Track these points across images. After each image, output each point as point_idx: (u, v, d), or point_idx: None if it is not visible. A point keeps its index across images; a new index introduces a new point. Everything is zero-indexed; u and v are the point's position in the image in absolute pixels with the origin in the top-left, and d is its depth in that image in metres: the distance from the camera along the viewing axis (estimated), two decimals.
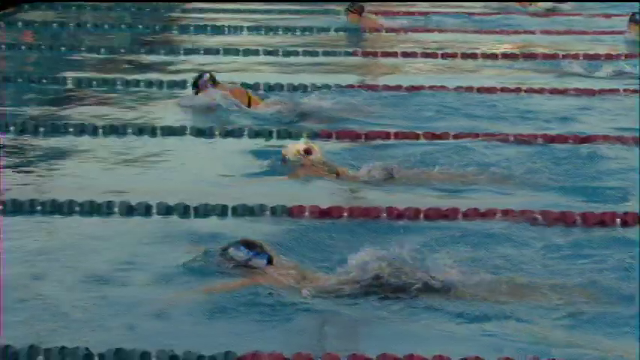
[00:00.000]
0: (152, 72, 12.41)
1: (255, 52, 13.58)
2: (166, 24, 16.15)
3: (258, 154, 8.62)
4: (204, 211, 6.97)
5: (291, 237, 6.54)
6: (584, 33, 15.86)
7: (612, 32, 15.74)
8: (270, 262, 5.70)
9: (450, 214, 7.00)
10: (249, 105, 10.33)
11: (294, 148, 8.14)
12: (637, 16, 15.14)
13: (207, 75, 10.46)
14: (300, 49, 13.79)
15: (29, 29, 15.57)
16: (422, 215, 7.03)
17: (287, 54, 13.58)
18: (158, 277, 5.80)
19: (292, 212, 7.02)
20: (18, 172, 8.12)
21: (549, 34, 15.64)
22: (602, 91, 11.15)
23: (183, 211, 6.96)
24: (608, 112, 10.41)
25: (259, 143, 9.06)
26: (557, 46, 14.42)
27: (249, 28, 15.68)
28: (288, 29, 15.63)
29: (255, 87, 11.08)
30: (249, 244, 5.76)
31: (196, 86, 10.40)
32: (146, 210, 6.99)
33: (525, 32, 15.85)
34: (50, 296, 5.57)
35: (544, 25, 16.53)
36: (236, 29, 15.63)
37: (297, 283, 5.63)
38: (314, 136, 9.19)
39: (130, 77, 11.70)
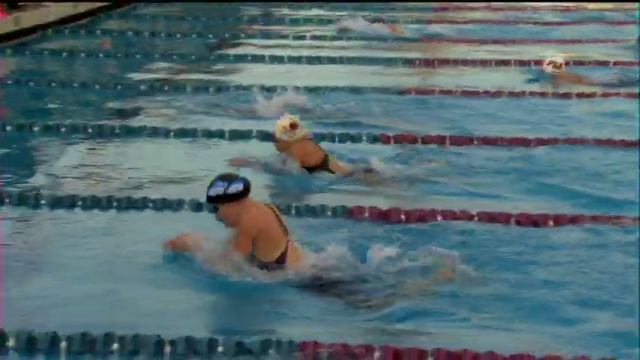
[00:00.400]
0: (220, 77, 12.42)
1: (318, 60, 13.52)
2: (235, 32, 16.17)
3: None
4: None
5: None
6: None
7: None
8: (246, 187, 5.70)
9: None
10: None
11: (280, 124, 7.85)
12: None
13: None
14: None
15: (106, 38, 15.71)
16: None
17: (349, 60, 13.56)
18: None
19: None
20: (95, 170, 8.18)
21: None
22: None
23: None
24: None
25: None
26: None
27: (314, 37, 15.66)
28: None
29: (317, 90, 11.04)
30: (223, 177, 5.82)
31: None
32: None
33: None
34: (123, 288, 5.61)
35: None
36: (300, 38, 15.62)
37: None
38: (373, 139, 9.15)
39: (199, 83, 11.72)
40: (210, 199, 5.75)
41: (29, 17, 14.86)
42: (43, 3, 15.49)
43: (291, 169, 7.88)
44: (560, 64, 12.28)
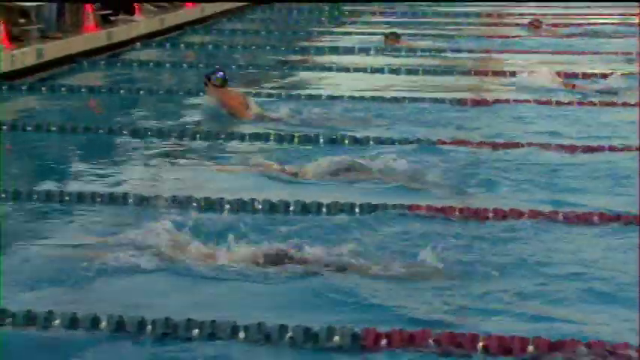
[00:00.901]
0: (292, 87, 12.47)
1: (380, 70, 13.48)
2: (304, 46, 16.21)
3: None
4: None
5: None
6: None
7: None
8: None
9: None
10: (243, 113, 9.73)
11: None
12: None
13: (219, 74, 9.83)
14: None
15: (189, 50, 15.91)
16: None
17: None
18: None
19: None
20: (178, 171, 8.29)
21: None
22: None
23: None
24: None
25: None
26: None
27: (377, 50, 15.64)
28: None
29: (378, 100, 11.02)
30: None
31: (205, 82, 9.96)
32: (285, 207, 6.99)
33: None
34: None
35: None
36: (365, 50, 15.62)
37: None
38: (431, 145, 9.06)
39: (272, 91, 11.80)
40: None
41: (120, 32, 15.14)
42: (132, 18, 15.77)
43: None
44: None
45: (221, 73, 9.81)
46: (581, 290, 5.49)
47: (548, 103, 11.07)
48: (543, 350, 4.57)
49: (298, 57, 15.33)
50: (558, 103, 10.99)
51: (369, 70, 13.45)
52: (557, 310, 5.23)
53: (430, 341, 4.65)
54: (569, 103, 11.05)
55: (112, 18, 15.39)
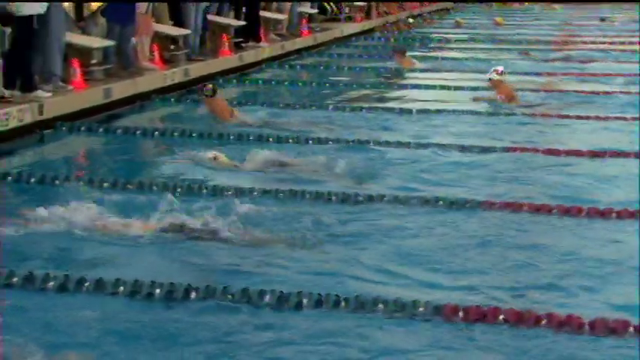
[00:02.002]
0: (387, 102, 12.49)
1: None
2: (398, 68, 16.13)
3: None
4: None
5: None
6: None
7: None
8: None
9: None
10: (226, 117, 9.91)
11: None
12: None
13: (209, 86, 9.99)
14: None
15: (304, 70, 16.13)
16: None
17: None
18: None
19: None
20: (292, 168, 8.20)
21: None
22: None
23: None
24: None
25: None
26: None
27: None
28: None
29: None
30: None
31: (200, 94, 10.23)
32: (367, 199, 6.97)
33: None
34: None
35: None
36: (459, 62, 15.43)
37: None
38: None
39: (373, 106, 11.84)
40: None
41: (249, 55, 15.49)
42: (259, 45, 16.05)
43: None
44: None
45: (209, 87, 10.07)
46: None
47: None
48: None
49: (392, 76, 15.30)
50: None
51: (451, 88, 13.23)
52: None
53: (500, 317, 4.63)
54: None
55: (243, 44, 15.73)
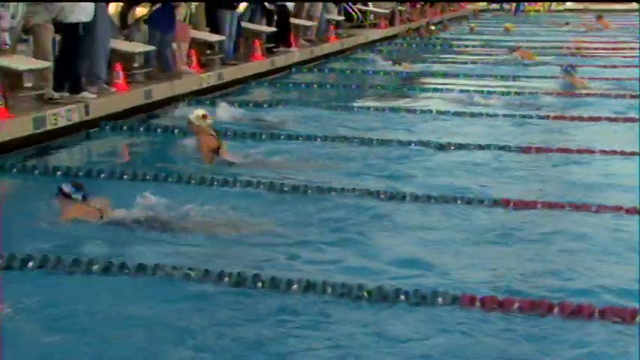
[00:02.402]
0: (406, 102, 12.45)
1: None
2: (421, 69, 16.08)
3: None
4: None
5: None
6: None
7: None
8: (84, 198, 5.96)
9: None
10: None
11: (196, 112, 8.02)
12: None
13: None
14: None
15: (332, 74, 16.07)
16: None
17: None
18: None
19: None
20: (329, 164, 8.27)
21: None
22: None
23: None
24: None
25: None
26: None
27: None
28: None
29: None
30: (75, 185, 6.05)
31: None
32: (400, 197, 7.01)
33: None
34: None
35: None
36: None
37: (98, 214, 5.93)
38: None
39: (392, 105, 11.83)
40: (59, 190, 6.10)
41: (280, 60, 15.51)
42: (289, 50, 16.08)
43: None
44: None
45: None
46: None
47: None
48: None
49: (414, 79, 15.26)
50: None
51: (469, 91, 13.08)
52: None
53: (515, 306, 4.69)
54: None
55: (275, 50, 15.73)
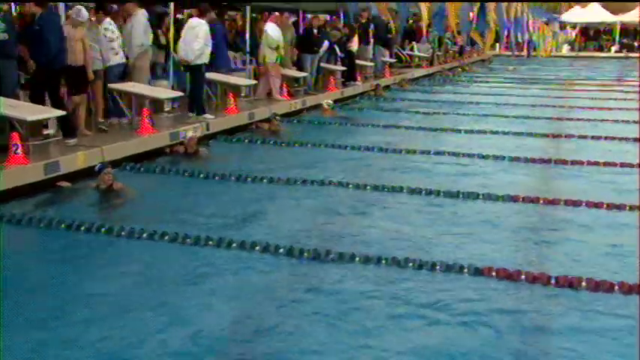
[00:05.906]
0: (443, 124, 11.93)
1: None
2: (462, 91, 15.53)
3: None
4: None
5: None
6: None
7: None
8: (99, 170, 6.33)
9: None
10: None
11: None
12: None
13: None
14: None
15: (386, 102, 15.60)
16: None
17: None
18: None
19: None
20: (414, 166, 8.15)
21: None
22: None
23: None
24: None
25: None
26: None
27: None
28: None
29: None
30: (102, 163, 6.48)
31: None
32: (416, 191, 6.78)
33: None
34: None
35: None
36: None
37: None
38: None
39: (433, 127, 11.46)
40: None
41: (348, 90, 15.41)
42: (356, 83, 15.90)
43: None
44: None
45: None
46: None
47: None
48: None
49: (446, 105, 14.74)
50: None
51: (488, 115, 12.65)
52: None
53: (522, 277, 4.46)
54: None
55: (346, 83, 15.74)
